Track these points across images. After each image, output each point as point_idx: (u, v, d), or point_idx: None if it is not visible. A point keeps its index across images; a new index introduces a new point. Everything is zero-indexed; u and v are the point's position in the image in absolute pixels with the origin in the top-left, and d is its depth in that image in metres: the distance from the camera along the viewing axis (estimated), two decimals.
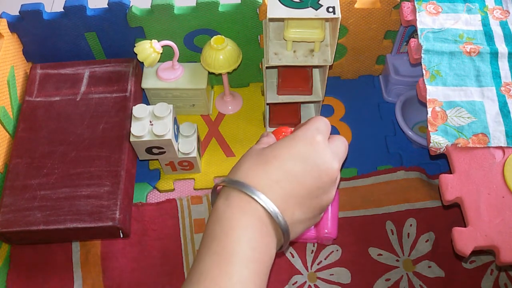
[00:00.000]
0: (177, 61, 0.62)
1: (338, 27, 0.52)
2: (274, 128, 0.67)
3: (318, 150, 0.42)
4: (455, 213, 0.59)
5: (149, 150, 0.58)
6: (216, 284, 0.37)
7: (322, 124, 0.44)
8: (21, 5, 0.59)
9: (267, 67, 0.58)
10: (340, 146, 0.45)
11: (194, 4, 0.59)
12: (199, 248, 0.40)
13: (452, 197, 0.48)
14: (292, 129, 0.47)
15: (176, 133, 0.59)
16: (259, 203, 0.39)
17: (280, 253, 0.57)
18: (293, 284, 0.56)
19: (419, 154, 0.65)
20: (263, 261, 0.40)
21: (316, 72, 0.63)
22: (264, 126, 0.68)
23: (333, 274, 0.57)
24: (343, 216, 0.60)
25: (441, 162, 0.64)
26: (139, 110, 0.57)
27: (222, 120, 0.69)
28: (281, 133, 0.48)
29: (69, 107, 0.60)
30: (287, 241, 0.42)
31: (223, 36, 0.59)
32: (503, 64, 0.54)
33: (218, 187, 0.43)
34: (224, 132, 0.67)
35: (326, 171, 0.42)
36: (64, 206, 0.54)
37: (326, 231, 0.55)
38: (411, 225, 0.59)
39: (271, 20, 0.56)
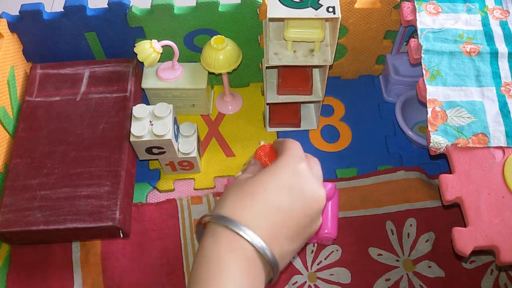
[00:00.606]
0: (177, 61, 0.62)
1: (338, 27, 0.52)
2: (274, 129, 0.67)
3: (303, 179, 0.41)
4: (455, 213, 0.59)
5: (149, 150, 0.58)
6: None
7: (299, 149, 0.44)
8: (21, 5, 0.59)
9: (267, 67, 0.58)
10: (318, 169, 0.44)
11: (194, 4, 0.59)
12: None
13: (452, 197, 0.48)
14: (268, 144, 0.48)
15: (176, 133, 0.59)
16: (247, 240, 0.38)
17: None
18: (293, 284, 0.56)
19: (419, 154, 0.65)
20: None
21: (316, 72, 0.63)
22: (264, 126, 0.68)
23: (333, 274, 0.57)
24: (343, 216, 0.60)
25: (441, 162, 0.64)
26: (139, 110, 0.57)
27: (222, 120, 0.69)
28: (257, 153, 0.47)
29: (69, 107, 0.60)
30: (277, 275, 0.41)
31: (223, 36, 0.59)
32: (503, 64, 0.54)
33: (203, 221, 0.41)
34: (224, 132, 0.67)
35: (314, 198, 0.41)
36: (64, 206, 0.54)
37: (326, 231, 0.55)
38: (411, 225, 0.59)
39: (271, 20, 0.56)
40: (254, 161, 0.47)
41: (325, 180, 0.62)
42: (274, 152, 0.47)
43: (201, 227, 0.42)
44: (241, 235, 0.38)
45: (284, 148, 0.44)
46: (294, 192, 0.40)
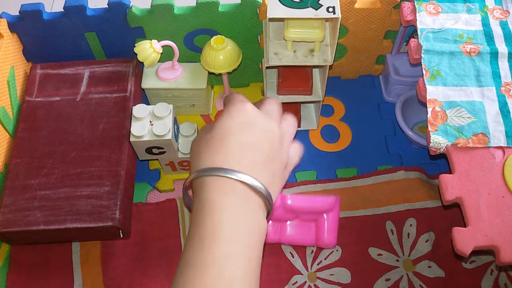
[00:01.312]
0: (177, 61, 0.62)
1: (338, 27, 0.52)
2: None
3: (255, 115, 0.46)
4: (455, 213, 0.59)
5: (149, 150, 0.58)
6: (202, 264, 0.38)
7: (240, 95, 0.49)
8: (21, 5, 0.59)
9: (267, 67, 0.58)
10: (271, 108, 0.49)
11: (194, 4, 0.59)
12: (186, 240, 0.42)
13: (452, 197, 0.48)
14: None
15: (176, 133, 0.59)
16: (235, 179, 0.41)
17: (280, 254, 0.58)
18: (293, 284, 0.56)
19: (419, 154, 0.65)
20: (250, 234, 0.41)
21: (316, 72, 0.63)
22: None
23: (333, 274, 0.57)
24: (343, 216, 0.60)
25: (441, 162, 0.64)
26: (139, 110, 0.57)
27: None
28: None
29: (69, 107, 0.60)
30: (272, 204, 0.45)
31: (223, 36, 0.59)
32: (503, 64, 0.54)
33: (187, 183, 0.45)
34: None
35: (269, 130, 0.46)
36: (64, 206, 0.54)
37: (325, 241, 0.56)
38: (411, 225, 0.59)
39: (271, 20, 0.56)
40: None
41: (325, 180, 0.63)
42: None
43: (187, 195, 0.47)
44: (228, 177, 0.41)
45: (229, 99, 0.49)
46: (253, 128, 0.45)
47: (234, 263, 0.39)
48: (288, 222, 0.57)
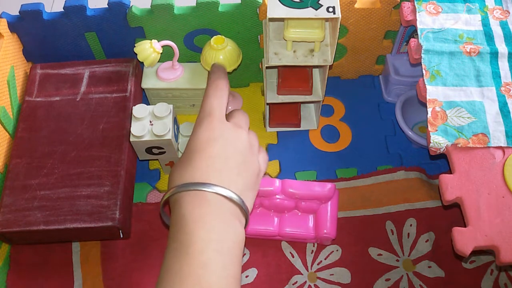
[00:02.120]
0: (177, 61, 0.62)
1: (338, 27, 0.52)
2: (274, 129, 0.67)
3: (222, 129, 0.47)
4: (455, 213, 0.59)
5: (149, 150, 0.58)
6: (178, 275, 0.39)
7: (213, 103, 0.49)
8: (21, 5, 0.59)
9: (267, 67, 0.58)
10: (239, 117, 0.50)
11: (194, 4, 0.59)
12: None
13: (452, 197, 0.48)
14: None
15: (176, 133, 0.59)
16: (205, 190, 0.42)
17: (280, 254, 0.58)
18: (293, 284, 0.56)
19: (419, 154, 0.65)
20: (224, 240, 0.42)
21: (316, 72, 0.63)
22: (264, 126, 0.68)
23: (333, 274, 0.57)
24: (343, 216, 0.60)
25: (441, 162, 0.64)
26: (139, 110, 0.57)
27: None
28: None
29: (69, 107, 0.60)
30: (248, 212, 0.45)
31: (223, 36, 0.59)
32: (503, 64, 0.54)
33: (163, 202, 0.46)
34: None
35: (239, 141, 0.47)
36: (64, 206, 0.54)
37: (325, 231, 0.55)
38: (411, 225, 0.59)
39: (271, 20, 0.56)
40: None
41: (325, 180, 0.63)
42: None
43: (165, 213, 0.48)
44: (198, 190, 0.42)
45: (200, 111, 0.50)
46: (220, 140, 0.46)
47: (211, 272, 0.40)
48: (287, 215, 0.57)
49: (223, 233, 0.42)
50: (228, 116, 0.51)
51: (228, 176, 0.45)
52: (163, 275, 0.41)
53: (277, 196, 0.56)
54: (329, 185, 0.55)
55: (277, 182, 0.56)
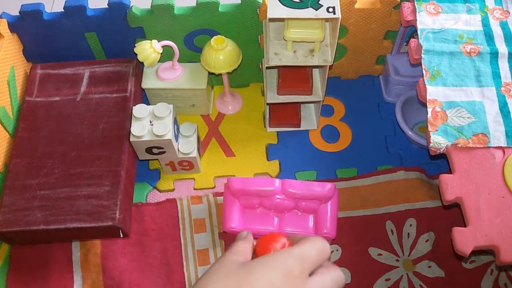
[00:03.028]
0: (177, 61, 0.62)
1: (338, 27, 0.52)
2: (274, 129, 0.67)
3: (295, 286, 0.38)
4: (455, 213, 0.59)
5: (149, 150, 0.58)
6: None
7: (313, 251, 0.40)
8: (21, 5, 0.59)
9: (267, 67, 0.58)
10: (326, 282, 0.40)
11: (194, 4, 0.59)
12: None
13: (452, 197, 0.48)
14: (285, 241, 0.42)
15: (176, 133, 0.59)
16: None
17: None
18: None
19: (419, 154, 0.65)
20: None
21: (316, 72, 0.63)
22: (264, 126, 0.68)
23: None
24: (343, 216, 0.60)
25: (441, 162, 0.64)
26: (139, 110, 0.57)
27: (222, 120, 0.69)
28: (272, 243, 0.42)
29: (69, 107, 0.60)
30: None
31: (223, 36, 0.59)
32: (503, 64, 0.54)
33: None
34: (224, 132, 0.67)
35: None
36: (64, 206, 0.54)
37: (325, 231, 0.55)
38: (411, 225, 0.59)
39: (271, 20, 0.56)
40: (246, 234, 0.45)
41: (325, 180, 0.63)
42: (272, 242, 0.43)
43: None
44: None
45: (304, 239, 0.41)
46: None
47: None
48: (287, 215, 0.57)
49: None
50: (321, 270, 0.41)
51: None
52: None
53: (277, 196, 0.56)
54: (329, 185, 0.55)
55: (277, 182, 0.55)
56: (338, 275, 0.41)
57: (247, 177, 0.62)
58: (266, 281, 0.38)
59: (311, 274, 0.40)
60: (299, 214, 0.57)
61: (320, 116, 0.67)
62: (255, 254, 0.43)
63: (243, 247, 0.42)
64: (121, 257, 0.58)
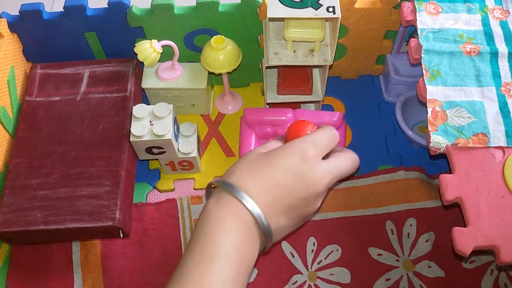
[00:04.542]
0: (177, 61, 0.62)
1: (338, 27, 0.52)
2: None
3: (309, 165, 0.45)
4: (455, 213, 0.59)
5: (149, 150, 0.58)
6: (197, 284, 0.39)
7: (324, 137, 0.47)
8: (21, 5, 0.59)
9: (267, 67, 0.58)
10: (341, 162, 0.47)
11: (194, 4, 0.59)
12: (187, 246, 0.43)
13: (452, 197, 0.48)
14: (312, 126, 0.49)
15: (176, 133, 0.59)
16: (247, 208, 0.42)
17: (280, 254, 0.58)
18: (293, 284, 0.56)
19: (419, 154, 0.65)
20: (245, 261, 0.42)
21: (316, 72, 0.63)
22: None
23: (333, 274, 0.57)
24: (343, 216, 0.60)
25: (441, 162, 0.64)
26: (139, 110, 0.57)
27: (222, 120, 0.69)
28: (303, 129, 0.49)
29: (69, 107, 0.60)
30: (270, 244, 0.45)
31: (223, 36, 0.59)
32: (503, 64, 0.54)
33: (212, 186, 0.46)
34: (224, 132, 0.67)
35: (314, 186, 0.45)
36: (64, 206, 0.54)
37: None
38: (411, 225, 0.59)
39: (271, 20, 0.56)
40: (279, 137, 0.51)
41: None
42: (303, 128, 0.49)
43: (210, 189, 0.48)
44: (242, 202, 0.42)
45: (320, 128, 0.47)
46: (297, 176, 0.44)
47: None
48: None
49: (246, 254, 0.42)
50: (336, 152, 0.48)
51: (278, 209, 0.44)
52: (179, 276, 0.41)
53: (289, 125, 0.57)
54: (337, 114, 0.60)
55: (290, 111, 0.60)
56: (352, 156, 0.48)
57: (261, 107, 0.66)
58: (284, 164, 0.44)
59: (325, 158, 0.46)
60: None
61: None
62: (286, 141, 0.49)
63: (270, 145, 0.49)
64: (121, 257, 0.58)
